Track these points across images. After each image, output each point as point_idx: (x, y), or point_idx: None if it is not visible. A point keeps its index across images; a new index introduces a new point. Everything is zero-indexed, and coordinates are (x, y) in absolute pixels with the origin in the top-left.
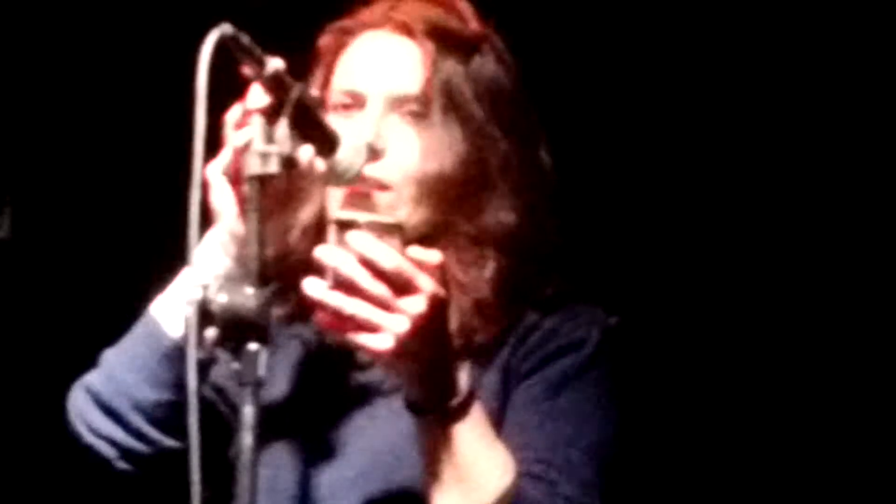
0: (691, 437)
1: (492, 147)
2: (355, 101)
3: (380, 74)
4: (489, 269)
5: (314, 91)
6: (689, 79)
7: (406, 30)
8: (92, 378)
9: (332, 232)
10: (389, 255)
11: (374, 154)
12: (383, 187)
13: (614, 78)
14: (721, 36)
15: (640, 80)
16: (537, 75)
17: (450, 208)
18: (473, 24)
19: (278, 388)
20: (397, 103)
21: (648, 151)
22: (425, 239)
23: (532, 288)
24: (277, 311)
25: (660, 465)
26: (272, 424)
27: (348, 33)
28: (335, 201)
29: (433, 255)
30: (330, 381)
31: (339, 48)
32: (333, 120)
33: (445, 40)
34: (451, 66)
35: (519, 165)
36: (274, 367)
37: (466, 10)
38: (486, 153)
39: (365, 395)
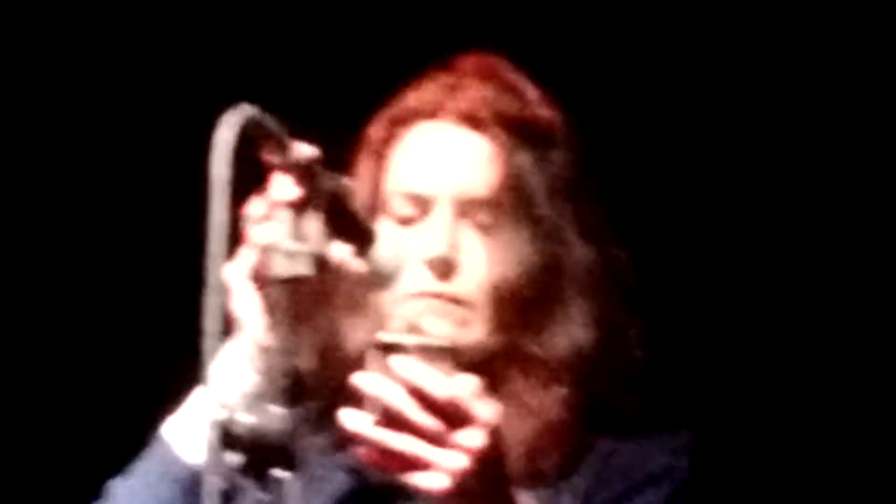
0: None
1: (566, 253)
2: (418, 206)
3: (447, 175)
4: (559, 391)
5: (348, 181)
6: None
7: (472, 121)
8: None
9: (373, 357)
10: (441, 383)
11: (448, 269)
12: (460, 303)
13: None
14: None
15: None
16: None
17: (519, 324)
18: (543, 111)
19: None
20: (468, 207)
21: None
22: (490, 358)
23: (609, 411)
24: (319, 438)
25: None
26: None
27: (400, 124)
28: (399, 318)
29: (469, 381)
30: None
31: (391, 140)
32: (392, 228)
33: (517, 132)
34: (524, 162)
35: (595, 273)
36: (313, 501)
37: (534, 92)
38: (560, 261)
39: None
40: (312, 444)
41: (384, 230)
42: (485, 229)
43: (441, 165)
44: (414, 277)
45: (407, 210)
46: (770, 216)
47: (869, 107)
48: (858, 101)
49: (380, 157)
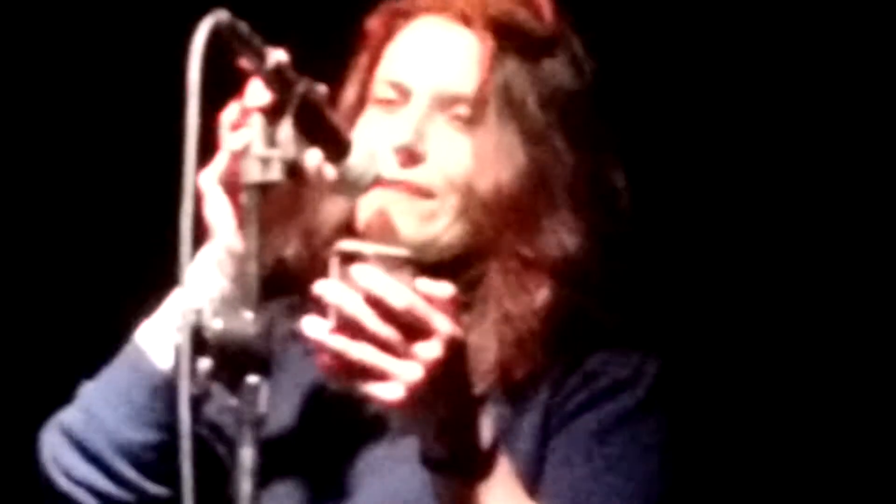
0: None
1: (555, 160)
2: (400, 95)
3: (429, 67)
4: (541, 298)
5: (321, 87)
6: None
7: (465, 19)
8: (69, 417)
9: (334, 265)
10: (399, 293)
11: (411, 157)
12: (423, 193)
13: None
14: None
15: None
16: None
17: (502, 225)
18: (547, 20)
19: (281, 417)
20: (446, 102)
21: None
22: (468, 258)
23: (586, 323)
24: (285, 328)
25: None
26: (273, 461)
27: (401, 17)
28: (365, 208)
29: (446, 289)
30: (340, 414)
31: (388, 33)
32: (373, 115)
33: (510, 36)
34: (513, 66)
35: (586, 183)
36: (277, 393)
37: (543, 2)
38: (549, 166)
39: (379, 433)
40: (282, 337)
41: (368, 118)
42: (463, 125)
43: (425, 57)
44: (382, 165)
45: (389, 96)
46: (763, 149)
47: (869, 107)
48: (858, 100)
49: (375, 49)
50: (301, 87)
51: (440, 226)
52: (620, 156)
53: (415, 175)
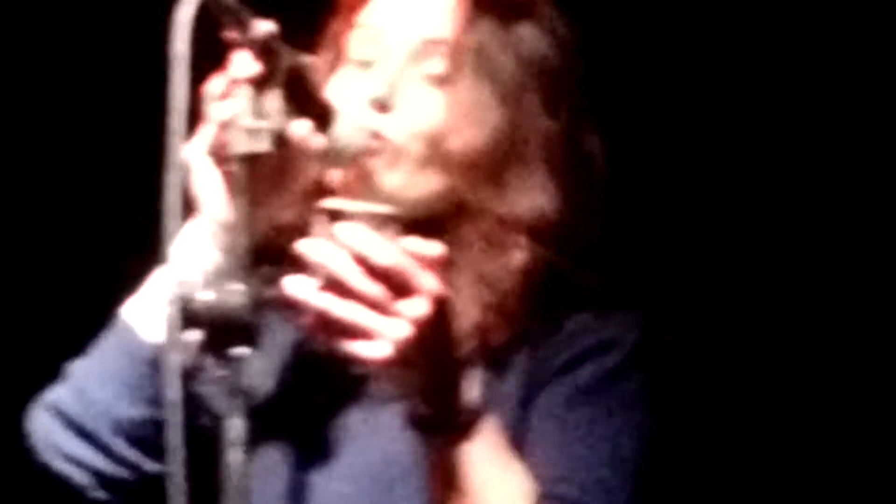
0: (729, 451)
1: (530, 122)
2: (374, 45)
3: (406, 14)
4: (517, 258)
5: (308, 58)
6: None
7: None
8: (59, 395)
9: (318, 223)
10: (385, 250)
11: (380, 107)
12: (385, 143)
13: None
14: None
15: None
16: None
17: (475, 183)
18: None
19: (267, 382)
20: (421, 54)
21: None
22: (442, 218)
23: (565, 285)
24: (269, 294)
25: (696, 483)
26: (257, 429)
27: None
28: (336, 181)
29: (434, 247)
30: (323, 380)
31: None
32: (349, 71)
33: None
34: (489, 26)
35: (561, 145)
36: (263, 359)
37: None
38: (523, 127)
39: (363, 397)
40: (267, 304)
41: (343, 75)
42: (437, 81)
43: (401, 4)
44: (358, 136)
45: (363, 53)
46: (743, 119)
47: (869, 107)
48: (849, 96)
49: (351, 6)
50: (288, 57)
51: (403, 176)
52: (599, 121)
53: (381, 125)
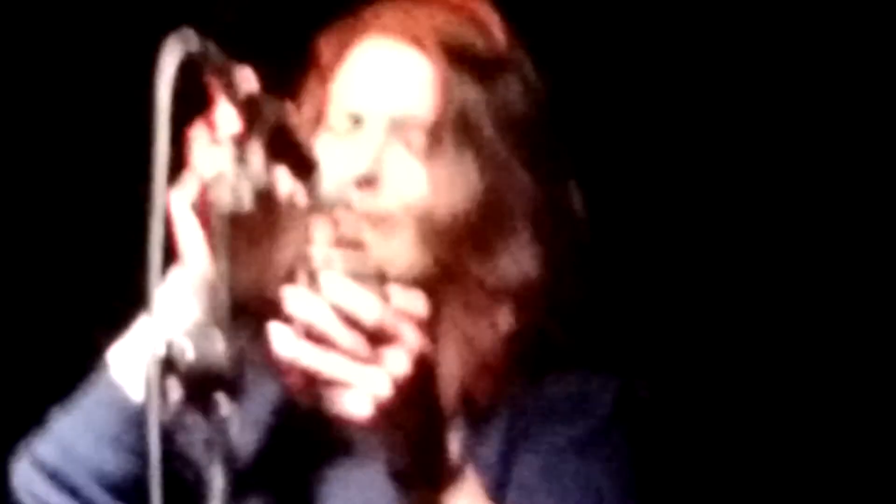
0: None
1: (513, 184)
2: (354, 123)
3: (383, 93)
4: (501, 321)
5: (290, 108)
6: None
7: (418, 42)
8: (43, 449)
9: (302, 275)
10: (368, 303)
11: (367, 183)
12: (380, 220)
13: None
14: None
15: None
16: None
17: (460, 250)
18: (498, 41)
19: (249, 437)
20: (402, 129)
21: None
22: (428, 283)
23: (548, 346)
24: (252, 353)
25: None
26: (241, 484)
27: (351, 38)
28: (321, 236)
29: (417, 304)
30: (308, 431)
31: (339, 54)
32: (331, 143)
33: (464, 59)
34: (468, 89)
35: (544, 207)
36: (245, 414)
37: (492, 21)
38: (507, 191)
39: (346, 450)
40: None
41: (323, 145)
42: (420, 152)
43: (378, 82)
44: (341, 193)
45: (343, 125)
46: (715, 162)
47: (858, 107)
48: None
49: (326, 70)
50: (272, 109)
51: (396, 252)
52: (579, 178)
53: (372, 203)
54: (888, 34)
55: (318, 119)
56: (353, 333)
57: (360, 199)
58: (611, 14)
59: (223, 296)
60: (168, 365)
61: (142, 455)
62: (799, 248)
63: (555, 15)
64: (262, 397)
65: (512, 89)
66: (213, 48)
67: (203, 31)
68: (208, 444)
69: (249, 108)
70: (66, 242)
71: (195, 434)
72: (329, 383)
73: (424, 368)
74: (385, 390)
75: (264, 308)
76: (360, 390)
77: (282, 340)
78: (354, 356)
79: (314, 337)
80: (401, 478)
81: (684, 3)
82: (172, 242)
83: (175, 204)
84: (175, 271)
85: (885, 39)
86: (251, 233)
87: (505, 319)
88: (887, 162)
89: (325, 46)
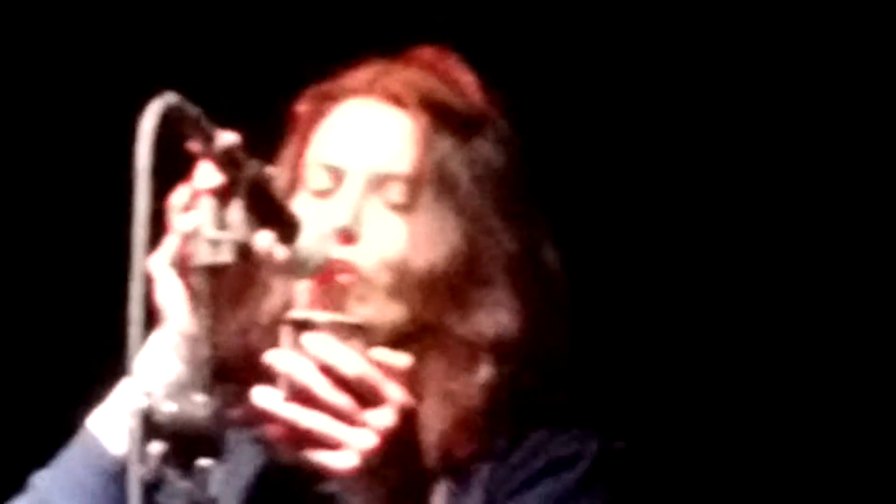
0: None
1: (491, 240)
2: (333, 179)
3: (362, 149)
4: (481, 375)
5: (271, 169)
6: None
7: (397, 100)
8: None
9: (285, 333)
10: (352, 360)
11: (346, 238)
12: (353, 273)
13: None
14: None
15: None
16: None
17: (439, 305)
18: (475, 98)
19: (230, 497)
20: (381, 184)
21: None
22: (407, 339)
23: (528, 400)
24: (235, 414)
25: None
26: None
27: (329, 100)
28: (302, 294)
29: (401, 359)
30: (292, 494)
31: (317, 117)
32: (307, 200)
33: (442, 115)
34: (446, 146)
35: (522, 262)
36: (228, 478)
37: (468, 81)
38: (484, 246)
39: None
40: (230, 423)
41: (301, 203)
42: (398, 207)
43: (357, 139)
44: (320, 248)
45: (322, 182)
46: (690, 208)
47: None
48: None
49: (304, 132)
50: (251, 168)
51: (374, 307)
52: (555, 229)
53: (350, 257)
54: (888, 34)
55: (297, 179)
56: (339, 391)
57: (339, 254)
58: (585, 69)
59: (204, 352)
60: (149, 420)
61: None
62: (778, 320)
63: (528, 72)
64: (246, 462)
65: (489, 146)
66: (192, 108)
67: (183, 95)
68: (190, 500)
69: (229, 165)
70: (47, 305)
71: (177, 491)
72: (315, 440)
73: (408, 423)
74: (370, 445)
75: (246, 365)
76: (346, 446)
77: (267, 400)
78: (340, 414)
79: (299, 396)
80: None
81: (655, 58)
82: (152, 304)
83: (155, 262)
84: (156, 332)
85: (885, 39)
86: (232, 289)
87: (484, 374)
88: (886, 164)
89: (305, 108)
